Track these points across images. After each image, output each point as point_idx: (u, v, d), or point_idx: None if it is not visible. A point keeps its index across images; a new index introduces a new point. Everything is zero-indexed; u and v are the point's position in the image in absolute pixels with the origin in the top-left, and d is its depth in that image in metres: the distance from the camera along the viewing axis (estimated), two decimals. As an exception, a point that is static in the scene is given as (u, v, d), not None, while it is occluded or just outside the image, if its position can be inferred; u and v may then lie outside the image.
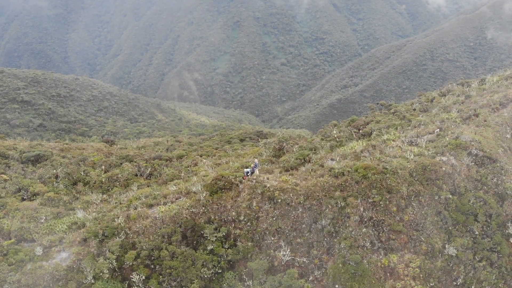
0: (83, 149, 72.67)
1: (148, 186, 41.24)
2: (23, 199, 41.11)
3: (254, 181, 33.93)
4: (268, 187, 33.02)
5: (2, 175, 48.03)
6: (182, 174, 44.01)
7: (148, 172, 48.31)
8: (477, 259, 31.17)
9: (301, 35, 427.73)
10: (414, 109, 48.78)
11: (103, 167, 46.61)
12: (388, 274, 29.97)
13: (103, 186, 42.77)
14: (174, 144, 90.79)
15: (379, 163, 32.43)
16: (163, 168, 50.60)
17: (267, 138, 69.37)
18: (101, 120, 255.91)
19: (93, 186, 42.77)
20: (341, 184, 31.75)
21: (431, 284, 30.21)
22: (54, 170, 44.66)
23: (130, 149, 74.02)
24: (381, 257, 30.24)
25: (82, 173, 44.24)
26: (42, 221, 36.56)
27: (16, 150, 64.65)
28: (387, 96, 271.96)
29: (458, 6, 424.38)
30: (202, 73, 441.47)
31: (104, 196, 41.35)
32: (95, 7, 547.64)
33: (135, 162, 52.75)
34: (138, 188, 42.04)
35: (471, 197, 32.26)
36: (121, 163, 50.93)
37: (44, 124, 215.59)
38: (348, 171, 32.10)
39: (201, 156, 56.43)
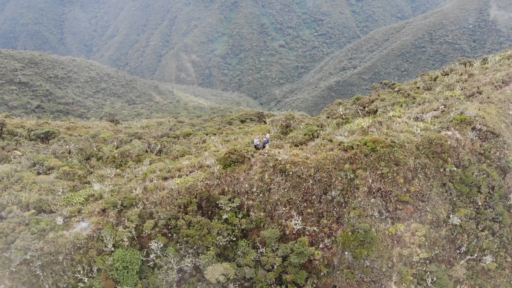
0: (89, 127, 73.73)
1: (159, 162, 42.38)
2: (38, 173, 42.27)
3: (266, 154, 35.16)
4: (280, 160, 34.26)
5: (15, 150, 49.10)
6: (194, 150, 45.16)
7: (158, 149, 49.44)
8: (480, 228, 32.70)
9: (299, 16, 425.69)
10: (418, 87, 49.86)
11: (115, 143, 47.72)
12: (395, 242, 31.47)
13: (116, 161, 43.91)
14: (177, 125, 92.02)
15: (387, 137, 33.70)
16: (172, 145, 51.76)
17: (265, 120, 70.62)
18: (99, 102, 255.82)
19: (106, 161, 43.90)
20: (351, 157, 33.03)
21: (435, 251, 31.75)
22: (67, 146, 45.70)
23: (135, 128, 75.13)
24: (388, 226, 31.70)
25: (95, 148, 45.33)
26: (59, 193, 37.78)
27: (24, 128, 65.71)
28: (385, 79, 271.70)
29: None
30: (200, 55, 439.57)
31: (117, 170, 42.54)
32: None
33: (144, 139, 53.89)
34: (150, 163, 43.26)
35: (475, 170, 33.63)
36: (130, 140, 52.01)
37: (42, 105, 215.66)
38: (357, 145, 33.35)
39: (207, 134, 57.60)
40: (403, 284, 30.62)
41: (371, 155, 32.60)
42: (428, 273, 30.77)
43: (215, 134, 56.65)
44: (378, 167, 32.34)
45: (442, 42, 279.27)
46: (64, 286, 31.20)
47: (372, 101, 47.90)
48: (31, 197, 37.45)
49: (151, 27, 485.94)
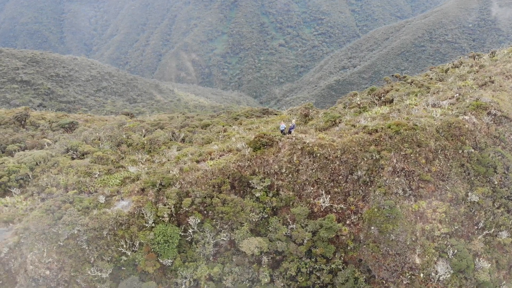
0: (106, 120, 75.78)
1: (188, 147, 44.52)
2: (72, 158, 44.37)
3: (294, 138, 37.37)
4: (308, 143, 36.49)
5: (45, 139, 51.15)
6: (220, 136, 47.31)
7: (181, 137, 51.60)
8: (496, 206, 34.97)
9: (299, 15, 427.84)
10: (431, 78, 52.15)
11: (143, 130, 49.85)
12: (418, 217, 33.72)
13: (145, 147, 46.02)
14: (187, 120, 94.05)
15: (409, 121, 35.95)
16: (194, 134, 53.93)
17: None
18: (100, 101, 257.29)
19: (136, 147, 46.00)
20: (375, 139, 35.26)
21: (455, 227, 34.02)
22: (97, 134, 47.78)
23: (148, 122, 77.13)
24: (411, 203, 33.96)
25: (124, 136, 47.43)
26: (96, 176, 39.93)
27: (45, 120, 67.79)
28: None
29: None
30: (200, 54, 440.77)
31: (147, 156, 44.68)
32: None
33: (166, 129, 56.02)
34: (177, 149, 45.41)
35: (491, 152, 35.93)
36: (153, 130, 54.12)
37: (44, 104, 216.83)
38: (382, 128, 35.60)
39: (225, 125, 59.73)
40: (426, 256, 32.85)
41: (395, 137, 34.85)
42: (449, 246, 32.99)
43: (232, 124, 58.77)
44: (402, 148, 34.59)
45: (442, 41, 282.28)
46: (109, 259, 33.28)
47: (387, 91, 50.17)
48: (69, 179, 39.61)
49: (151, 26, 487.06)
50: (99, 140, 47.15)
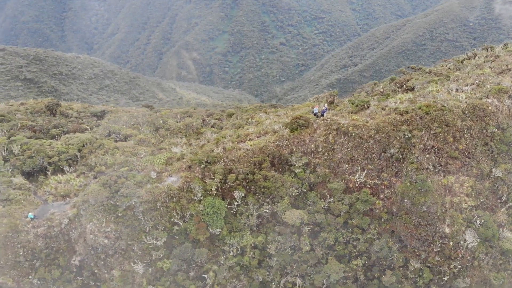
0: (129, 111, 78.46)
1: (225, 130, 47.31)
2: (115, 141, 47.11)
3: (329, 119, 40.22)
4: (342, 124, 39.33)
5: (83, 124, 53.85)
6: (250, 122, 50.11)
7: (212, 124, 54.40)
8: (518, 181, 37.91)
9: (300, 14, 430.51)
10: (449, 68, 55.09)
11: (178, 116, 52.65)
12: (447, 191, 36.62)
13: (182, 132, 48.81)
14: (210, 110, 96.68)
15: (437, 103, 38.83)
16: (221, 122, 56.74)
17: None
18: (103, 99, 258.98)
19: (173, 131, 48.78)
20: (407, 119, 38.13)
21: (481, 200, 36.95)
22: (136, 119, 50.56)
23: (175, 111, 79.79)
24: (441, 177, 36.86)
25: (161, 121, 50.21)
26: (141, 156, 42.70)
27: (73, 110, 70.45)
28: (387, 76, 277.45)
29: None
30: (201, 53, 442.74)
31: (184, 140, 47.48)
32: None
33: (194, 117, 58.81)
34: (212, 134, 48.21)
35: (512, 132, 38.89)
36: (185, 117, 56.89)
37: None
38: (412, 109, 38.49)
39: (250, 114, 62.47)
40: (455, 226, 35.76)
41: (425, 118, 37.75)
42: (476, 217, 35.91)
43: (257, 113, 61.49)
44: (431, 128, 37.48)
45: (443, 39, 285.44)
46: (162, 228, 36.05)
47: (408, 80, 53.07)
48: (116, 159, 42.41)
49: (152, 25, 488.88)
50: (138, 125, 49.88)
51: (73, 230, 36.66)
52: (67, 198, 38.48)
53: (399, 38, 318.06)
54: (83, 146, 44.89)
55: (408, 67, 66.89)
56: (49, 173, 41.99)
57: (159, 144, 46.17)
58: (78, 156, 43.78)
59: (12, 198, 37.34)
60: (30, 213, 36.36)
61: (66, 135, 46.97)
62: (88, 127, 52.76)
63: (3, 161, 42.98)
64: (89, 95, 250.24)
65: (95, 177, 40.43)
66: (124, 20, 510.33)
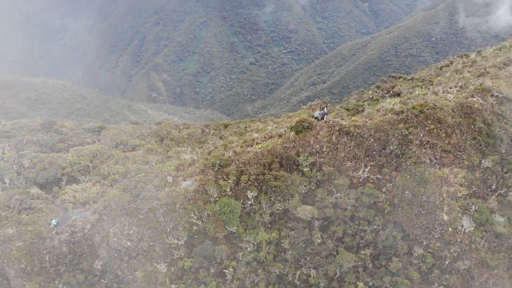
0: (119, 128, 79.79)
1: (229, 136, 49.71)
2: (124, 151, 48.76)
3: (331, 121, 43.28)
4: (344, 125, 42.44)
5: (86, 139, 55.17)
6: (249, 129, 52.69)
7: (211, 133, 56.70)
8: (504, 171, 41.61)
9: (268, 34, 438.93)
10: (430, 74, 59.37)
11: (180, 127, 54.73)
12: (443, 182, 39.98)
13: (186, 141, 50.94)
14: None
15: (429, 103, 42.49)
16: (219, 132, 59.15)
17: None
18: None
19: (177, 141, 50.83)
20: (403, 118, 41.57)
21: (473, 189, 40.45)
22: (141, 130, 52.38)
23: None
24: (437, 170, 40.24)
25: (165, 132, 52.21)
26: (152, 164, 44.58)
27: (67, 128, 71.45)
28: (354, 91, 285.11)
29: (419, 2, 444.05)
30: (171, 74, 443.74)
31: (189, 148, 49.61)
32: (58, 10, 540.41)
33: (192, 128, 60.98)
34: (213, 142, 50.52)
35: (497, 127, 42.77)
36: (184, 128, 59.01)
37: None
38: (407, 109, 42.01)
39: (246, 123, 65.17)
40: (452, 213, 39.03)
41: (420, 116, 41.27)
42: (471, 204, 39.31)
43: (254, 122, 64.27)
44: (426, 125, 41.01)
45: (407, 55, 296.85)
46: (182, 228, 37.92)
47: (393, 87, 56.96)
48: (128, 167, 44.15)
49: (120, 48, 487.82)
50: (143, 136, 51.71)
51: (96, 235, 38.09)
52: (87, 205, 39.93)
53: (365, 55, 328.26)
54: (94, 157, 46.39)
55: (390, 76, 71.22)
56: (63, 183, 43.29)
57: (166, 153, 48.14)
58: (90, 167, 45.25)
59: (34, 206, 38.56)
60: (53, 220, 37.68)
61: (75, 148, 48.37)
62: (90, 141, 54.15)
63: (16, 174, 44.05)
64: (59, 120, 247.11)
65: (111, 185, 42.05)
66: (93, 43, 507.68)
